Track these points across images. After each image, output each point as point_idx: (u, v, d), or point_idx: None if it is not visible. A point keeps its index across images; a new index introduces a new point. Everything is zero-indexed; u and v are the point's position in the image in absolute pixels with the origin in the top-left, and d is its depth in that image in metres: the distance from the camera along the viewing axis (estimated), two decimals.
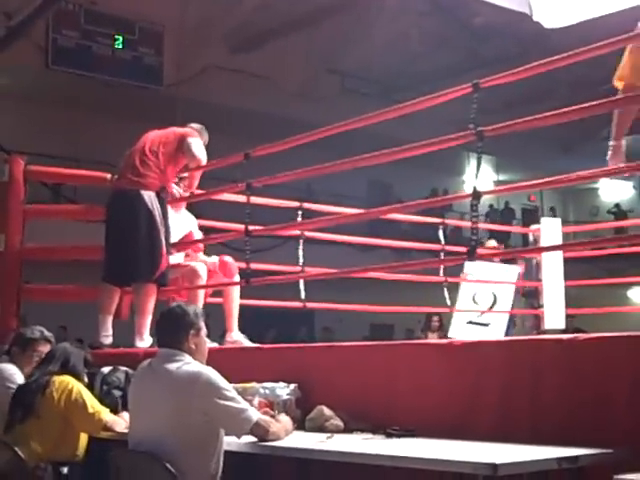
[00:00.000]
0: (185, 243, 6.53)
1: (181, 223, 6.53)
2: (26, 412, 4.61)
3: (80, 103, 16.36)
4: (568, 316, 13.84)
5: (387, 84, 18.57)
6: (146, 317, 6.03)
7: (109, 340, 6.19)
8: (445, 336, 10.10)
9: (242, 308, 6.49)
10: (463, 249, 5.45)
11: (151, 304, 6.10)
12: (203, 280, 6.20)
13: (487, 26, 16.51)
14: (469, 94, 4.70)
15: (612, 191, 27.25)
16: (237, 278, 6.37)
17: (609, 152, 4.41)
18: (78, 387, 4.68)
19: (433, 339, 10.30)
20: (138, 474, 3.72)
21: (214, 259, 6.48)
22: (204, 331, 3.99)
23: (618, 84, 4.38)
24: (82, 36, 15.96)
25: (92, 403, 4.62)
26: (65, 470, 4.60)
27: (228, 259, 6.45)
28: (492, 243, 10.00)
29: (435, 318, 10.65)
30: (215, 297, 6.68)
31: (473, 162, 4.62)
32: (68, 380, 4.69)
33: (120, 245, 6.08)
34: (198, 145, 6.28)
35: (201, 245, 6.79)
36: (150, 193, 6.04)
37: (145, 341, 6.00)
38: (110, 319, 6.24)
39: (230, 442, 3.83)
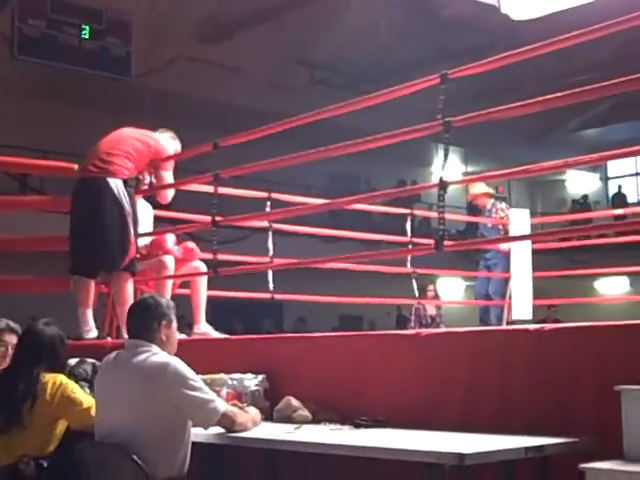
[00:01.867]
0: (152, 233, 6.49)
1: (147, 214, 6.51)
2: (10, 421, 4.32)
3: (47, 93, 16.19)
4: (550, 307, 13.99)
5: (356, 76, 18.55)
6: (126, 306, 5.93)
7: (92, 334, 6.04)
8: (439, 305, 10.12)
9: (210, 300, 6.47)
10: (430, 241, 5.46)
11: (130, 292, 6.02)
12: (171, 271, 6.17)
13: (456, 18, 16.54)
14: (437, 85, 4.71)
15: (579, 183, 27.45)
16: (204, 268, 6.34)
17: None
18: (72, 385, 4.46)
19: (429, 305, 10.28)
20: (105, 466, 3.69)
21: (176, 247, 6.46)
22: (175, 323, 3.98)
23: None
24: (48, 26, 15.75)
25: (86, 399, 4.47)
26: (45, 464, 4.47)
27: (191, 244, 6.43)
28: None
29: (430, 287, 10.66)
30: (183, 288, 6.66)
31: (441, 154, 4.63)
32: (60, 380, 4.47)
33: (87, 234, 5.94)
34: (169, 177, 6.25)
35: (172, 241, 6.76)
36: (117, 181, 5.92)
37: None
38: (90, 312, 6.07)
39: (197, 433, 3.82)
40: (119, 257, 5.91)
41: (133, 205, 5.99)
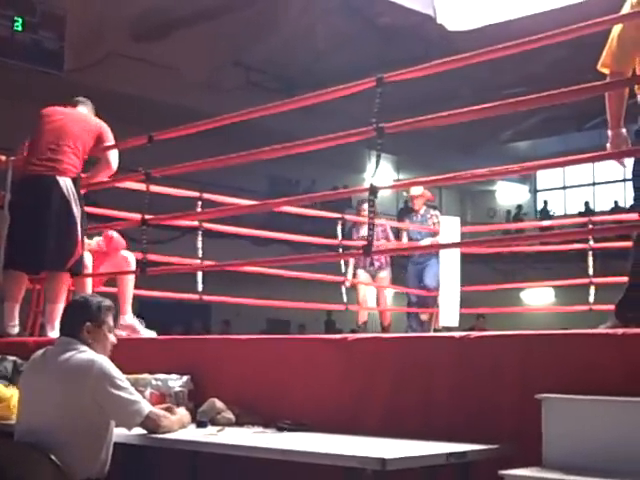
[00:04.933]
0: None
1: None
2: None
3: None
4: (478, 316, 14.14)
5: (292, 79, 18.58)
6: (59, 305, 5.85)
7: (16, 330, 5.96)
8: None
9: (140, 300, 6.41)
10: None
11: (65, 292, 5.98)
12: (87, 268, 6.12)
13: (392, 27, 16.65)
14: (373, 89, 4.71)
15: (508, 194, 27.86)
16: (132, 257, 6.28)
17: (607, 143, 4.42)
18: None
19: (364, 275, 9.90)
20: (21, 466, 3.62)
21: (98, 238, 6.39)
22: (107, 326, 3.92)
23: (604, 70, 4.42)
24: None
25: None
26: None
27: (112, 233, 6.37)
28: None
29: (364, 207, 9.92)
30: (108, 287, 6.59)
31: (374, 160, 4.64)
32: None
33: (34, 232, 5.83)
34: (115, 153, 6.20)
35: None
36: (66, 179, 5.87)
37: (56, 330, 5.84)
38: (17, 307, 6.00)
39: (119, 434, 3.77)
40: (66, 257, 5.85)
41: (81, 204, 5.93)
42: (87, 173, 6.25)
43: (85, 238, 6.06)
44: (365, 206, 9.15)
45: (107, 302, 3.99)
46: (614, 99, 4.36)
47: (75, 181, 5.94)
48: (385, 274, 9.78)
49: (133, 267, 6.27)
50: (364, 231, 9.36)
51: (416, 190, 9.67)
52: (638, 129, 4.30)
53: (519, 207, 26.63)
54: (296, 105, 5.39)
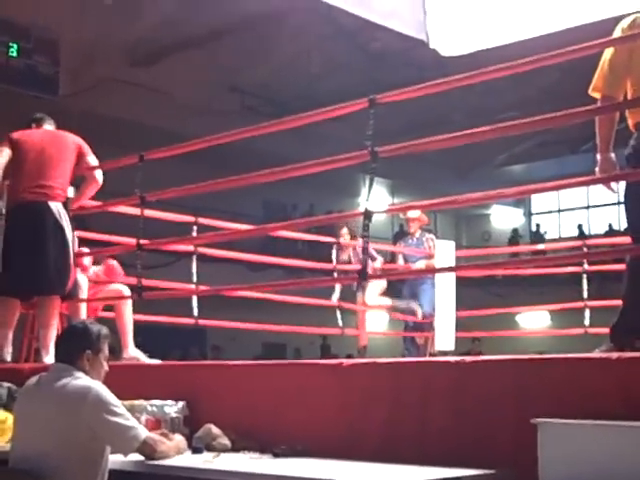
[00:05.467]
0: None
1: None
2: None
3: None
4: (474, 339, 14.11)
5: (286, 104, 18.63)
6: (52, 330, 5.84)
7: (9, 357, 5.95)
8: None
9: (136, 326, 6.39)
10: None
11: (57, 317, 5.97)
12: (84, 293, 6.11)
13: (385, 52, 16.73)
14: (366, 110, 4.71)
15: (503, 217, 27.91)
16: (127, 291, 6.27)
17: (596, 167, 4.44)
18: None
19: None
20: None
21: (95, 268, 6.39)
22: (104, 354, 3.92)
23: (595, 95, 4.45)
24: None
25: None
26: None
27: (112, 262, 6.37)
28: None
29: (342, 232, 9.43)
30: (107, 312, 6.58)
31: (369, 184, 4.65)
32: None
33: (30, 259, 5.80)
34: (99, 169, 6.20)
35: (89, 260, 6.68)
36: (57, 204, 5.87)
37: (51, 355, 5.82)
38: (10, 334, 5.98)
39: (114, 460, 3.76)
40: (61, 282, 5.85)
41: (72, 227, 5.92)
42: (76, 193, 6.24)
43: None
44: (344, 231, 9.21)
45: (105, 330, 3.99)
46: (604, 123, 4.39)
47: (65, 204, 5.95)
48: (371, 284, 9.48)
49: (128, 305, 6.27)
50: (345, 256, 9.41)
51: (413, 213, 9.68)
52: (629, 154, 4.32)
53: (515, 230, 26.68)
54: (288, 125, 5.39)
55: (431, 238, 9.64)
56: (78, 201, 6.23)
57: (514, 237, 26.24)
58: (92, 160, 6.15)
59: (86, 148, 6.15)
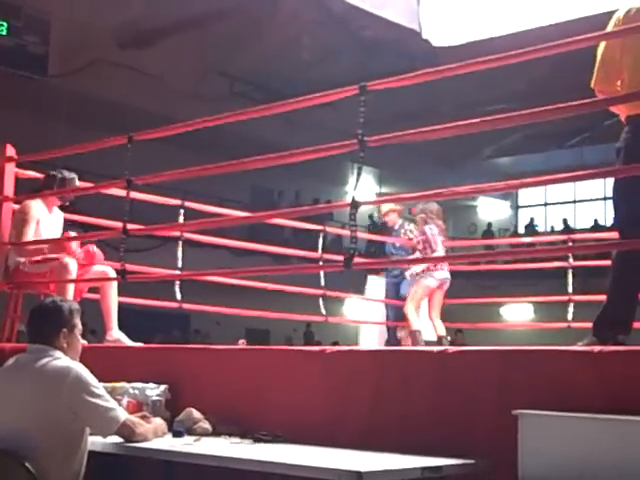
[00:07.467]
0: (60, 240, 6.36)
1: (56, 223, 6.40)
2: None
3: None
4: (457, 331, 14.14)
5: (276, 91, 18.58)
6: None
7: None
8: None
9: (120, 308, 6.37)
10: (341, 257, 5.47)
11: None
12: (72, 275, 6.07)
13: (377, 40, 16.70)
14: (355, 97, 4.69)
15: (490, 210, 27.98)
16: (112, 272, 6.25)
17: None
18: None
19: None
20: None
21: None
22: (79, 329, 3.90)
23: (595, 88, 4.43)
24: None
25: None
26: None
27: (92, 247, 6.33)
28: None
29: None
30: (91, 293, 6.55)
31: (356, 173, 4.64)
32: None
33: None
34: None
35: (76, 243, 6.64)
36: None
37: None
38: None
39: (94, 442, 3.75)
40: None
41: None
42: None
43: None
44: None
45: (76, 305, 3.96)
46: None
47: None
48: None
49: (113, 287, 6.26)
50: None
51: (385, 207, 9.63)
52: (619, 147, 4.31)
53: (489, 224, 26.75)
54: (278, 110, 5.37)
55: (410, 229, 9.47)
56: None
57: (487, 230, 26.25)
58: None
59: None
